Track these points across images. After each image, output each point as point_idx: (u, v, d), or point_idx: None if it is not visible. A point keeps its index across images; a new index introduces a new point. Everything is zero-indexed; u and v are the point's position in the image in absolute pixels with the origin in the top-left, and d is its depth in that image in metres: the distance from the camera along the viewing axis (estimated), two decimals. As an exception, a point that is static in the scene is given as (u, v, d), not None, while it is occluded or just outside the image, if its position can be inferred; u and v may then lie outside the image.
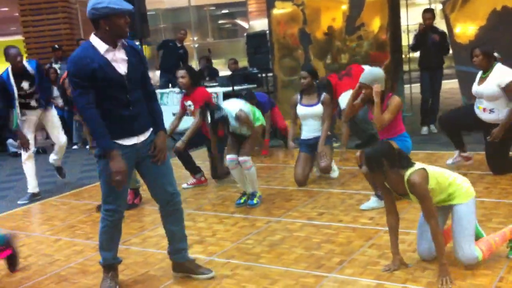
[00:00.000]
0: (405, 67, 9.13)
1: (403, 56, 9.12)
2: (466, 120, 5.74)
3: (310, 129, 5.99)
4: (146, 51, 10.01)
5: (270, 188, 5.86)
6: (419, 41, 7.85)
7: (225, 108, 5.28)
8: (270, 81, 9.29)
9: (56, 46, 10.58)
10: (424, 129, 8.05)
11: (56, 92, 10.24)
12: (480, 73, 5.60)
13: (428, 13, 7.75)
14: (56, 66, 10.45)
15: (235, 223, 4.88)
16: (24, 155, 6.48)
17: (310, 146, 5.97)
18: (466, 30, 7.63)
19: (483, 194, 5.00)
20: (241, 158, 5.34)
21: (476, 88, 5.60)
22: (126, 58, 3.44)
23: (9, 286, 4.02)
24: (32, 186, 6.52)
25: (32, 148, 6.56)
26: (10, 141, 9.61)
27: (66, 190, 6.75)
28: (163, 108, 11.24)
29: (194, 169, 6.33)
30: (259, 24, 12.29)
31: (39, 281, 4.07)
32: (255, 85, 9.83)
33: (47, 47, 10.96)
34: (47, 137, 10.60)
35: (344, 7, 8.04)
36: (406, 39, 8.92)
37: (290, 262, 3.94)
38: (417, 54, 8.11)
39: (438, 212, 3.47)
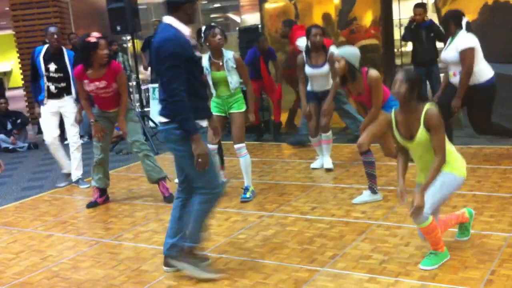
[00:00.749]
0: (397, 61, 9.13)
1: (395, 50, 9.11)
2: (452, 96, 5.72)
3: (319, 85, 6.08)
4: (138, 45, 9.95)
5: (262, 183, 5.86)
6: (409, 35, 7.73)
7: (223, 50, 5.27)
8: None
9: (47, 41, 10.50)
10: None
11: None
12: (449, 40, 5.77)
13: (419, 8, 7.66)
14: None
15: (227, 218, 4.88)
16: (74, 145, 6.55)
17: (318, 98, 6.11)
18: (458, 24, 7.63)
19: (475, 187, 5.02)
20: (236, 146, 5.34)
21: (442, 54, 5.85)
22: None
23: (1, 282, 4.00)
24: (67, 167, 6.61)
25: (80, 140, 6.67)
26: (1, 136, 9.54)
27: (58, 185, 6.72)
28: (154, 102, 11.26)
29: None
30: (251, 19, 12.26)
31: (31, 276, 4.05)
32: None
33: (38, 42, 10.85)
34: (39, 132, 10.57)
35: (336, 1, 8.03)
36: (398, 33, 8.91)
37: (283, 256, 3.95)
38: (409, 48, 8.08)
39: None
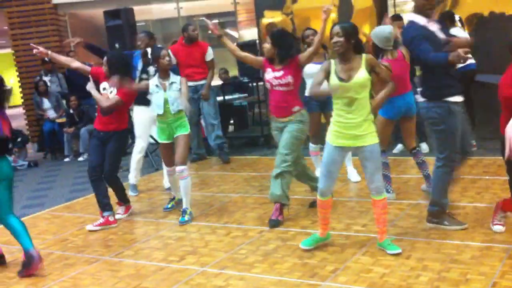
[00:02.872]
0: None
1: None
2: None
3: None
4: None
5: (263, 198, 5.85)
6: None
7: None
8: (261, 90, 9.30)
9: (46, 59, 10.53)
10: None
11: (47, 103, 10.23)
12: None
13: (399, 21, 7.01)
14: (46, 79, 10.42)
15: (227, 233, 4.86)
16: (137, 148, 6.46)
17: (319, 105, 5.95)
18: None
19: (475, 199, 5.01)
20: (178, 168, 5.32)
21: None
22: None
23: (1, 302, 3.99)
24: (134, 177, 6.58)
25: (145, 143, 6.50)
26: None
27: (58, 203, 6.70)
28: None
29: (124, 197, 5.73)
30: (249, 34, 12.31)
31: (31, 296, 4.03)
32: (246, 95, 9.83)
33: (37, 60, 10.91)
34: (39, 150, 10.58)
35: (333, 15, 8.06)
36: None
37: (283, 271, 3.93)
38: None
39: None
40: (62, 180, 8.10)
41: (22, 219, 6.09)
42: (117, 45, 8.72)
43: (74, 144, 9.97)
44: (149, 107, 5.87)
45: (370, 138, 3.95)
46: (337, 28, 3.94)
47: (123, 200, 5.70)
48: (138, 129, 6.48)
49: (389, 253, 3.98)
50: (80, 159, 9.56)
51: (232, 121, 10.08)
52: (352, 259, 4.01)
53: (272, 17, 8.53)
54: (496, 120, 3.99)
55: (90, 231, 5.32)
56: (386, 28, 5.14)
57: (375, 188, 4.03)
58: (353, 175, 6.10)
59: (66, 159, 9.76)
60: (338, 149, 4.02)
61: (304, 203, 5.48)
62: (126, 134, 5.72)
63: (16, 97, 19.07)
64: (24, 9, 11.37)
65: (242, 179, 6.79)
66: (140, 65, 6.31)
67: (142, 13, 12.02)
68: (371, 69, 3.98)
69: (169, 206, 5.76)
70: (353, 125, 3.93)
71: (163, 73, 5.31)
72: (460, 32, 6.11)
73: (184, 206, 5.38)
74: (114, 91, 5.28)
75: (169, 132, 5.39)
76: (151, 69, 6.19)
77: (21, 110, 12.33)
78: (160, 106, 5.27)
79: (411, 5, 11.69)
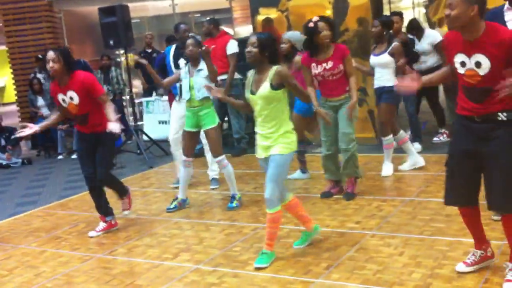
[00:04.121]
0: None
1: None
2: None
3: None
4: (131, 59, 9.96)
5: (256, 195, 5.85)
6: None
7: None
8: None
9: (40, 56, 10.52)
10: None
11: (41, 101, 10.20)
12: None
13: (396, 17, 7.15)
14: (40, 76, 10.38)
15: (221, 230, 4.86)
16: (170, 141, 6.44)
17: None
18: (449, 33, 7.69)
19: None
20: (216, 159, 5.46)
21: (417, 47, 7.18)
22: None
23: (-6, 300, 3.98)
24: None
25: (177, 134, 6.25)
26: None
27: (52, 201, 6.69)
28: (148, 116, 11.25)
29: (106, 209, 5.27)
30: (244, 31, 12.31)
31: (24, 293, 4.03)
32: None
33: (32, 57, 10.89)
34: (32, 147, 10.55)
35: (328, 12, 8.04)
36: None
37: (277, 268, 3.93)
38: None
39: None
40: (55, 177, 8.08)
41: (16, 217, 6.13)
42: (111, 42, 8.71)
43: (67, 142, 9.95)
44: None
45: (276, 148, 3.87)
46: (253, 38, 3.92)
47: (124, 192, 5.40)
48: (171, 120, 6.46)
49: (255, 265, 3.96)
50: (74, 156, 9.53)
51: (226, 119, 10.08)
52: (345, 256, 4.02)
53: (267, 14, 8.52)
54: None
55: (93, 237, 5.09)
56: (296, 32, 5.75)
57: (265, 199, 3.90)
58: (385, 169, 6.05)
59: (60, 157, 9.74)
60: (262, 161, 4.03)
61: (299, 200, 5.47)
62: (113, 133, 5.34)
63: (11, 94, 19.05)
64: (19, 6, 11.35)
65: (237, 176, 6.74)
66: (171, 61, 6.39)
67: (137, 10, 12.01)
68: (281, 82, 3.85)
69: (172, 206, 5.62)
70: (264, 136, 3.92)
71: (193, 61, 5.44)
72: None
73: (232, 192, 5.50)
74: (75, 98, 4.82)
75: (195, 120, 5.44)
76: (182, 61, 6.27)
77: (15, 108, 12.31)
78: (187, 91, 5.37)
79: (406, 1, 11.68)
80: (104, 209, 5.20)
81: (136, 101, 10.73)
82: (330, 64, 5.10)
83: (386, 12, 8.75)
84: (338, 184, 5.51)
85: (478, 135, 3.22)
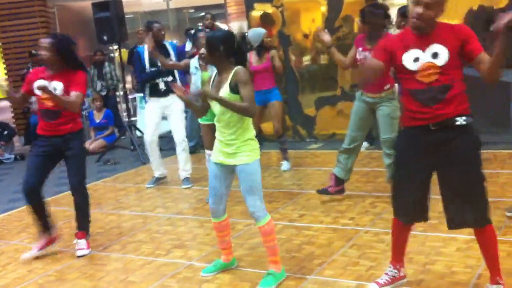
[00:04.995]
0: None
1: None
2: None
3: None
4: (125, 55, 9.92)
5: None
6: None
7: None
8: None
9: (34, 51, 10.46)
10: None
11: (34, 97, 10.12)
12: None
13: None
14: (34, 71, 10.31)
15: (215, 227, 4.85)
16: (146, 139, 6.37)
17: None
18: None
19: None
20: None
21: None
22: None
23: (-14, 296, 3.96)
24: (159, 171, 6.53)
25: (155, 134, 6.33)
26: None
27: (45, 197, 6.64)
28: (142, 111, 11.16)
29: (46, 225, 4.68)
30: (239, 26, 12.26)
31: (16, 290, 4.01)
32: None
33: (25, 52, 10.83)
34: (25, 143, 10.50)
35: (323, 8, 8.05)
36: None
37: (270, 264, 3.92)
38: None
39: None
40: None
41: (8, 213, 6.10)
42: (105, 37, 8.67)
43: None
44: (162, 98, 6.07)
45: (241, 157, 3.55)
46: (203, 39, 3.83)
47: (87, 225, 4.66)
48: (146, 121, 6.42)
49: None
50: (83, 149, 9.49)
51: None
52: (339, 252, 4.02)
53: (262, 10, 8.49)
54: (477, 113, 3.96)
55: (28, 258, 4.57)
56: (258, 30, 5.89)
57: (250, 213, 3.65)
58: None
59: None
60: (218, 165, 3.68)
61: (292, 197, 5.48)
62: (83, 133, 4.89)
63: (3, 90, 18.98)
64: (13, 0, 11.26)
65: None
66: (146, 60, 6.30)
67: (131, 5, 11.96)
68: (235, 84, 3.53)
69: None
70: (224, 142, 3.60)
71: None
72: None
73: None
74: (59, 87, 4.42)
75: (210, 113, 5.34)
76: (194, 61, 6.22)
77: (7, 103, 12.24)
78: (198, 87, 5.30)
79: (400, -2, 11.54)
80: (47, 226, 4.62)
81: (130, 96, 10.69)
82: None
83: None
84: (341, 184, 5.20)
85: (434, 147, 3.00)
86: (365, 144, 6.84)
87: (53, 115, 4.44)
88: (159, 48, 6.16)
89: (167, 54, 6.22)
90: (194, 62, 5.52)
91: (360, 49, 4.89)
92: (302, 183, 5.98)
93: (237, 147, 3.56)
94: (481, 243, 3.12)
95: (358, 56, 4.89)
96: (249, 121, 3.62)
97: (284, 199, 5.43)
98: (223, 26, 13.08)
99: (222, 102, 3.48)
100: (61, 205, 6.19)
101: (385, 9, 4.93)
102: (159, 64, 6.11)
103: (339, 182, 5.16)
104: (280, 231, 4.56)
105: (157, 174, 6.54)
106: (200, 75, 5.37)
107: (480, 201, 3.01)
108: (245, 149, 3.56)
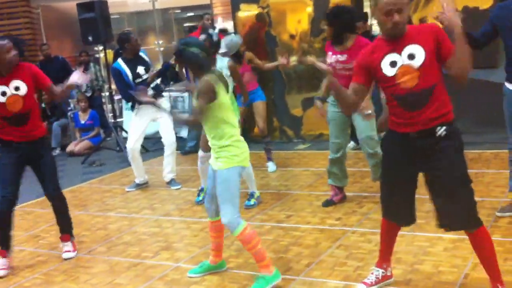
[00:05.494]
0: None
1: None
2: None
3: None
4: (110, 55, 9.86)
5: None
6: None
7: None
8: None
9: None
10: None
11: None
12: None
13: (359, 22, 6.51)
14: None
15: (202, 228, 4.83)
16: (129, 146, 6.29)
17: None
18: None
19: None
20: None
21: None
22: None
23: (-30, 300, 3.91)
24: (140, 177, 6.46)
25: (138, 142, 6.28)
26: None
27: (30, 199, 6.59)
28: (128, 112, 11.11)
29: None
30: (226, 27, 12.24)
31: (1, 293, 3.96)
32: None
33: (9, 53, 10.74)
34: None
35: (309, 9, 8.06)
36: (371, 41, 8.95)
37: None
38: None
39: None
40: (33, 175, 7.90)
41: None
42: (90, 38, 8.61)
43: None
44: (154, 106, 6.01)
45: (218, 163, 3.55)
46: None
47: (70, 229, 4.61)
48: (132, 128, 6.33)
49: None
50: (52, 153, 9.39)
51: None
52: (326, 253, 4.02)
53: (248, 10, 8.49)
54: (461, 113, 4.00)
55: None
56: (235, 38, 5.75)
57: (224, 225, 3.62)
58: None
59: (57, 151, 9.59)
60: (210, 166, 3.69)
61: (279, 197, 5.48)
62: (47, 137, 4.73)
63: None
64: (-4, 1, 11.15)
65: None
66: (128, 73, 6.17)
67: (117, 6, 11.88)
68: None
69: (201, 198, 5.48)
70: (211, 146, 3.62)
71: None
72: None
73: (251, 190, 5.36)
74: (23, 87, 4.18)
75: None
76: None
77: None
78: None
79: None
80: (8, 241, 4.37)
81: (116, 97, 10.61)
82: (344, 57, 4.64)
83: (367, 9, 8.77)
84: (342, 191, 5.13)
85: (416, 153, 3.00)
86: (351, 144, 6.85)
87: (21, 120, 4.21)
88: (137, 59, 6.15)
89: (144, 64, 6.21)
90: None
91: (330, 53, 4.77)
92: (290, 183, 5.98)
93: (216, 152, 3.58)
94: (475, 246, 3.07)
95: (328, 60, 4.73)
96: (227, 127, 3.54)
97: (272, 200, 5.42)
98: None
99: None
100: (47, 207, 6.12)
101: (353, 11, 4.76)
102: (141, 74, 6.10)
103: (340, 189, 5.11)
104: (268, 232, 4.56)
105: (138, 180, 6.47)
106: None
107: (466, 203, 2.99)
108: (222, 155, 3.55)
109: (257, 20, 8.35)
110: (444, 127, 2.93)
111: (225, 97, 3.56)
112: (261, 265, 3.54)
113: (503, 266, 3.09)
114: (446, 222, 3.06)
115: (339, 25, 4.65)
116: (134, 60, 6.10)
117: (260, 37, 8.31)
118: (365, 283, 3.40)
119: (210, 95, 3.47)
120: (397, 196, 3.17)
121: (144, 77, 6.13)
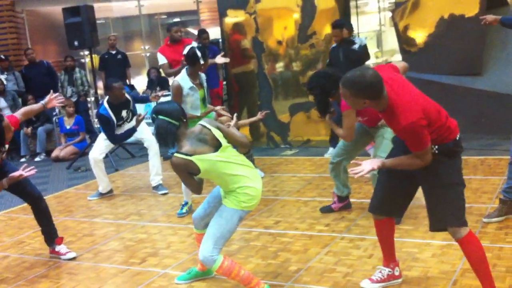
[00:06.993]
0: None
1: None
2: None
3: None
4: (96, 60, 9.79)
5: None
6: (331, 58, 6.87)
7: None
8: (224, 89, 9.26)
9: (2, 56, 10.27)
10: None
11: (3, 103, 9.93)
12: None
13: (336, 30, 6.63)
14: (2, 77, 10.10)
15: (190, 234, 4.79)
16: (91, 155, 6.29)
17: None
18: (415, 37, 7.77)
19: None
20: None
21: None
22: None
23: (-47, 308, 3.83)
24: (103, 187, 6.39)
25: (103, 153, 6.34)
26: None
27: (14, 205, 6.50)
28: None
29: None
30: (212, 33, 12.23)
31: (-15, 301, 3.89)
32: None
33: (-5, 57, 10.63)
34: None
35: (296, 15, 8.08)
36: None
37: (246, 272, 3.89)
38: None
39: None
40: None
41: (-24, 221, 5.92)
42: (76, 43, 8.55)
43: (31, 144, 9.72)
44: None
45: (225, 199, 3.47)
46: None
47: (55, 233, 4.62)
48: (100, 140, 6.33)
49: None
50: (37, 159, 9.35)
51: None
52: (315, 259, 4.00)
53: (235, 16, 8.49)
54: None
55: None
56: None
57: (200, 261, 3.52)
58: None
59: (23, 159, 9.50)
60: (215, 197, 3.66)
61: (267, 203, 5.45)
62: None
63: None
64: (-20, 5, 11.05)
65: (205, 179, 6.71)
66: (110, 114, 6.14)
67: (103, 10, 11.82)
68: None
69: (184, 211, 5.37)
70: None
71: (195, 74, 5.18)
72: None
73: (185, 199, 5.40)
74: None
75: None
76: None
77: (-24, 109, 11.97)
78: (198, 107, 5.22)
79: (372, 6, 11.77)
80: None
81: (101, 102, 10.56)
82: None
83: (354, 16, 8.81)
84: (343, 201, 4.99)
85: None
86: (330, 150, 6.85)
87: None
88: (122, 103, 6.13)
89: (127, 105, 6.20)
90: (186, 83, 5.12)
91: None
92: (277, 189, 5.97)
93: (224, 191, 3.50)
94: (465, 253, 3.08)
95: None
96: (230, 177, 3.41)
97: (259, 206, 5.38)
98: (195, 32, 13.08)
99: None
100: (30, 213, 6.05)
101: (330, 77, 4.35)
102: (124, 117, 6.20)
103: (340, 199, 5.00)
104: (256, 238, 4.54)
105: (101, 189, 6.40)
106: (197, 95, 5.18)
107: (453, 203, 3.02)
108: (231, 196, 3.43)
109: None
110: (436, 146, 3.03)
111: (214, 158, 3.39)
112: (250, 286, 3.41)
113: (492, 272, 3.09)
114: (433, 220, 3.11)
115: (316, 94, 4.48)
116: (119, 105, 6.09)
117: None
118: (370, 279, 3.45)
119: (185, 174, 3.39)
120: (387, 188, 3.24)
121: (125, 117, 6.23)
